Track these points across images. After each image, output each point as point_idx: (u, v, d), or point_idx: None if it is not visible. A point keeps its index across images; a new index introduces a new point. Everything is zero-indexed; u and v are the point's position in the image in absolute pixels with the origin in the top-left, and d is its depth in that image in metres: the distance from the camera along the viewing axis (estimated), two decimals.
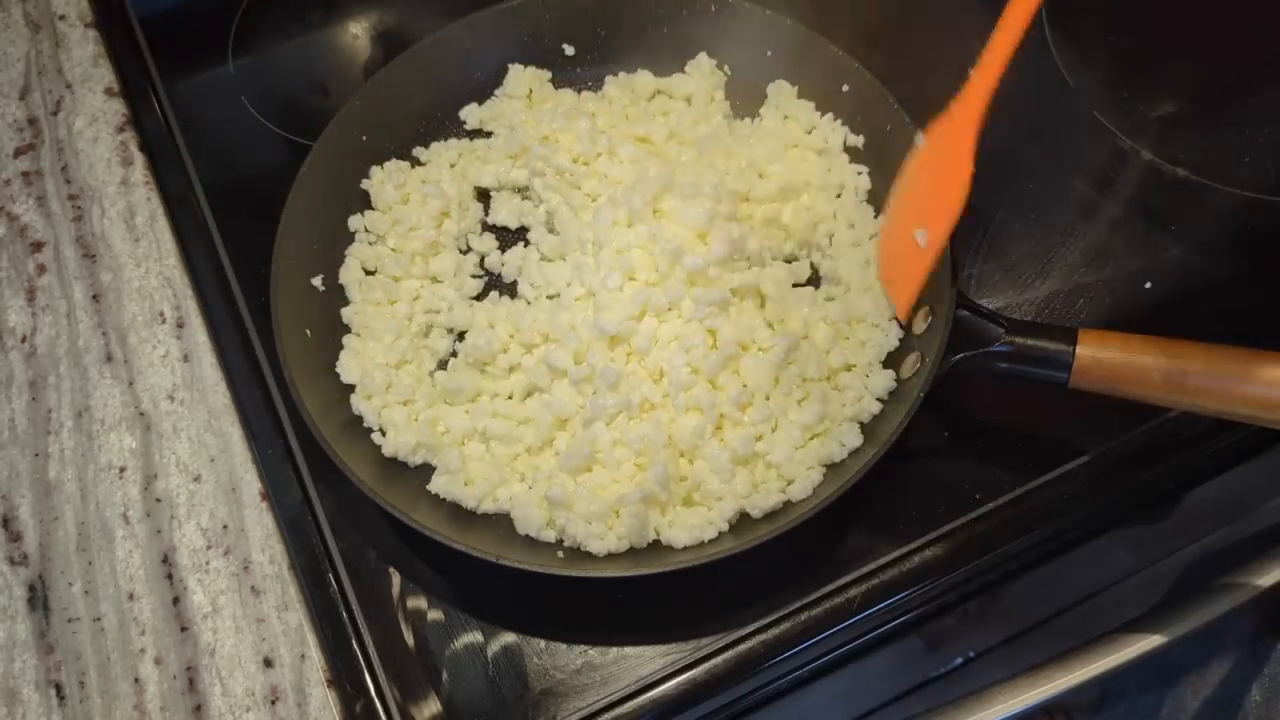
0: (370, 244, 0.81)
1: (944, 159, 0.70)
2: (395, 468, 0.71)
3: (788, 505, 0.68)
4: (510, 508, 0.69)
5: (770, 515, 0.68)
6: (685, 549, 0.66)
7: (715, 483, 0.68)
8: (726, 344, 0.71)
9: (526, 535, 0.68)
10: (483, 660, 0.66)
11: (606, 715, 0.64)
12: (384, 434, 0.72)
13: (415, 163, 0.86)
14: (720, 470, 0.68)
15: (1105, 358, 0.63)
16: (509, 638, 0.67)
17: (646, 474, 0.67)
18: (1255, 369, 0.60)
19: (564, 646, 0.66)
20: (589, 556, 0.66)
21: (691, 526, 0.67)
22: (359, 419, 0.73)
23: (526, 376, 0.73)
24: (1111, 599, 0.84)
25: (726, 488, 0.68)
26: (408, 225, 0.81)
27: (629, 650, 0.66)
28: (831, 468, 0.70)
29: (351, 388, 0.74)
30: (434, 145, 0.87)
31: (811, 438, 0.70)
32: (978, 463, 0.71)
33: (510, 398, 0.74)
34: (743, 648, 0.66)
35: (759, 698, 0.69)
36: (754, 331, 0.73)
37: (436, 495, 0.70)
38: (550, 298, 0.77)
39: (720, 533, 0.67)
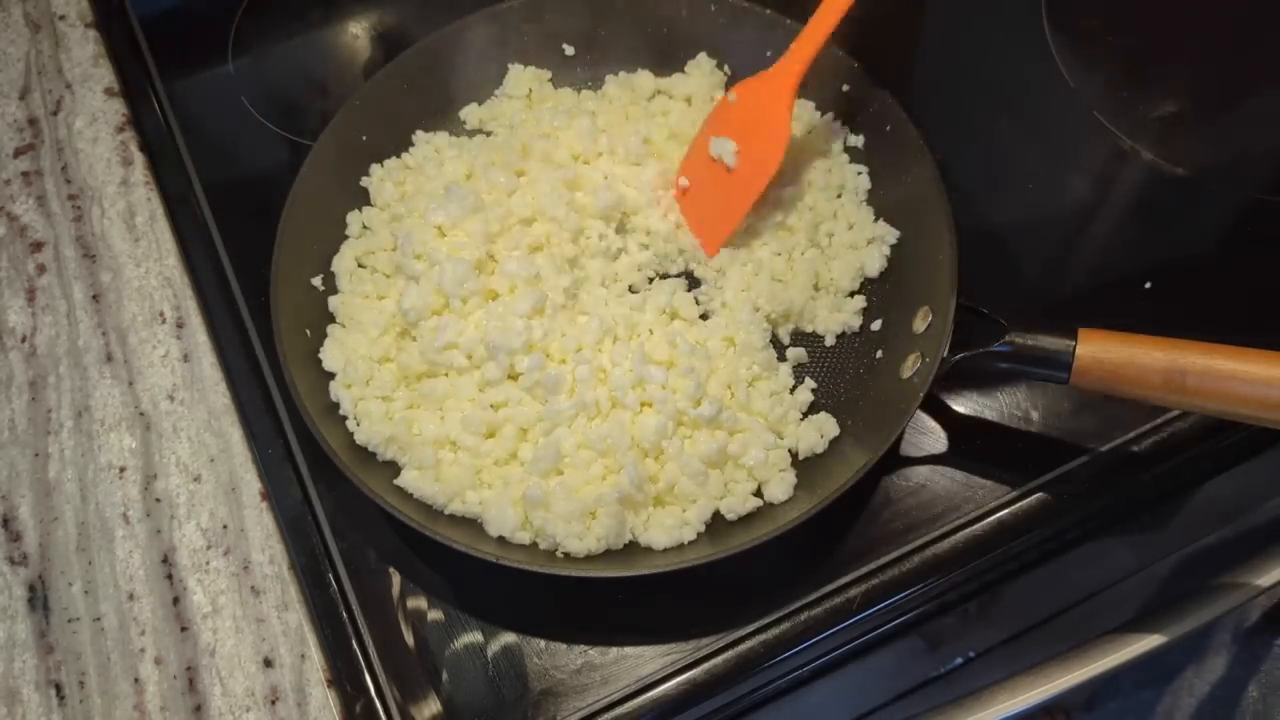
0: (366, 240, 0.81)
1: (760, 117, 0.77)
2: (365, 458, 0.71)
3: (770, 508, 0.68)
4: (480, 511, 0.68)
5: (760, 520, 0.67)
6: (670, 550, 0.66)
7: (687, 484, 0.68)
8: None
9: (500, 537, 0.67)
10: (483, 660, 0.67)
11: (606, 715, 0.64)
12: (358, 423, 0.71)
13: None
14: (691, 472, 0.68)
15: (1105, 357, 0.63)
16: (509, 638, 0.67)
17: (620, 475, 0.67)
18: (1255, 369, 0.60)
19: (564, 646, 0.66)
20: (588, 557, 0.66)
21: (668, 528, 0.67)
22: (337, 405, 0.72)
23: (478, 375, 0.72)
24: (1111, 599, 0.84)
25: (700, 489, 0.68)
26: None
27: (629, 650, 0.66)
28: (826, 469, 0.70)
29: (332, 374, 0.74)
30: None
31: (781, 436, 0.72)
32: (978, 463, 0.71)
33: (475, 399, 0.72)
34: (743, 648, 0.66)
35: (759, 698, 0.69)
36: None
37: (404, 491, 0.69)
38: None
39: (699, 534, 0.67)
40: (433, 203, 0.78)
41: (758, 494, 0.69)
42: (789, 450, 0.71)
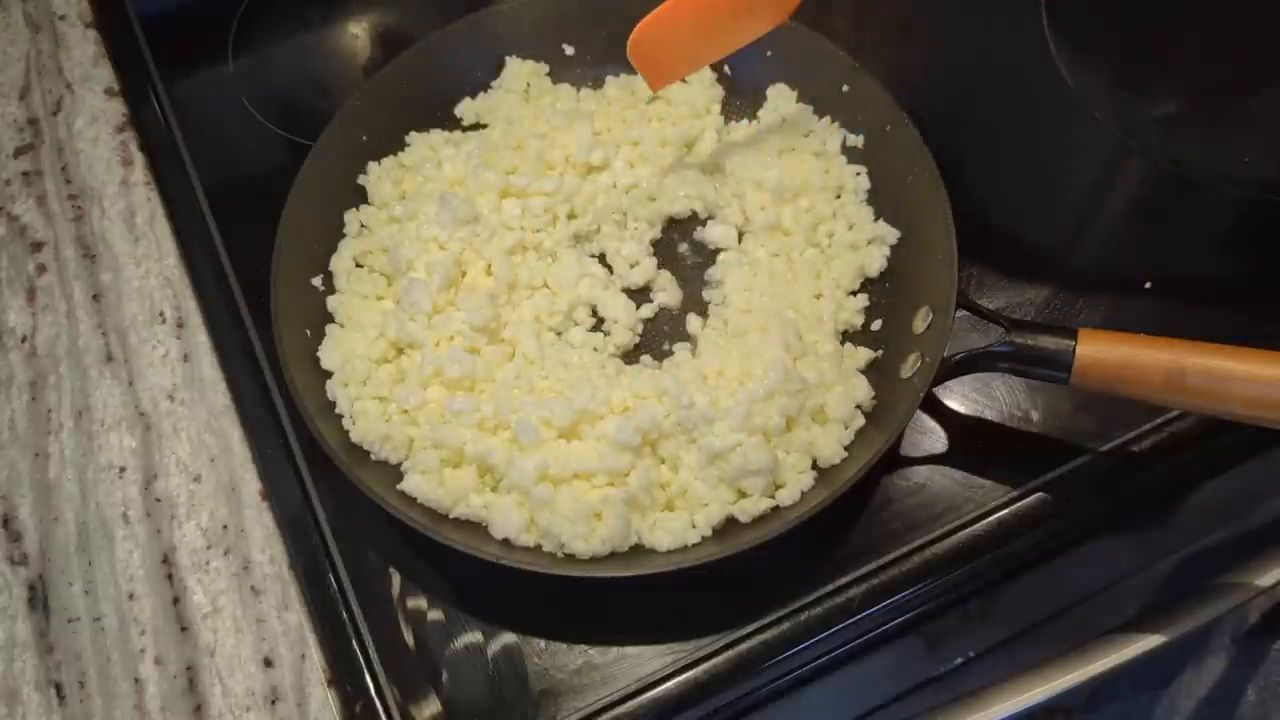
0: (364, 239, 0.81)
1: None
2: (366, 458, 0.70)
3: (777, 510, 0.68)
4: (485, 515, 0.68)
5: (763, 519, 0.67)
6: (672, 551, 0.66)
7: (701, 488, 0.68)
8: None
9: (504, 539, 0.67)
10: (483, 660, 0.66)
11: (606, 715, 0.64)
12: (354, 422, 0.71)
13: None
14: (706, 477, 0.68)
15: (1105, 357, 0.63)
16: (509, 638, 0.67)
17: (629, 477, 0.67)
18: (1255, 369, 0.60)
19: (564, 646, 0.66)
20: (591, 558, 0.66)
21: (674, 531, 0.66)
22: (334, 404, 0.72)
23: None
24: (1111, 599, 0.84)
25: (713, 493, 0.68)
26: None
27: (629, 650, 0.66)
28: (829, 468, 0.70)
29: (330, 373, 0.74)
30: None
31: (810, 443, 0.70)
32: (977, 463, 0.71)
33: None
34: (743, 648, 0.66)
35: (759, 698, 0.69)
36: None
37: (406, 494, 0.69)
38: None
39: (704, 537, 0.67)
40: (427, 206, 0.78)
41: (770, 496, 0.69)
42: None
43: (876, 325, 0.76)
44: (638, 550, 0.67)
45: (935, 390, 0.70)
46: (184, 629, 0.68)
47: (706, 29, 0.76)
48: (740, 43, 0.79)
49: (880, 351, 0.74)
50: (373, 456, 0.70)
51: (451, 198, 0.78)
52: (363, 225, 0.81)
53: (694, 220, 0.83)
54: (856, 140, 0.83)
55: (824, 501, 0.64)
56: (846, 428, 0.70)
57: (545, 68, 0.89)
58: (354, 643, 0.67)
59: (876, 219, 0.80)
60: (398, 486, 0.69)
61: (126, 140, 0.89)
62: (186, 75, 0.95)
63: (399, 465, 0.71)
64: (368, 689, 0.65)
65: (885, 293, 0.78)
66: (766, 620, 0.66)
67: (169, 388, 0.77)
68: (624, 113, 0.86)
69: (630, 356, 0.77)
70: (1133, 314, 0.78)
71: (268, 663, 0.67)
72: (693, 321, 0.77)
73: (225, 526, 0.71)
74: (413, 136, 0.85)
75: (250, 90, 0.93)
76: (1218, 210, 0.83)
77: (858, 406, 0.71)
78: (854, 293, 0.78)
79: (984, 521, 0.69)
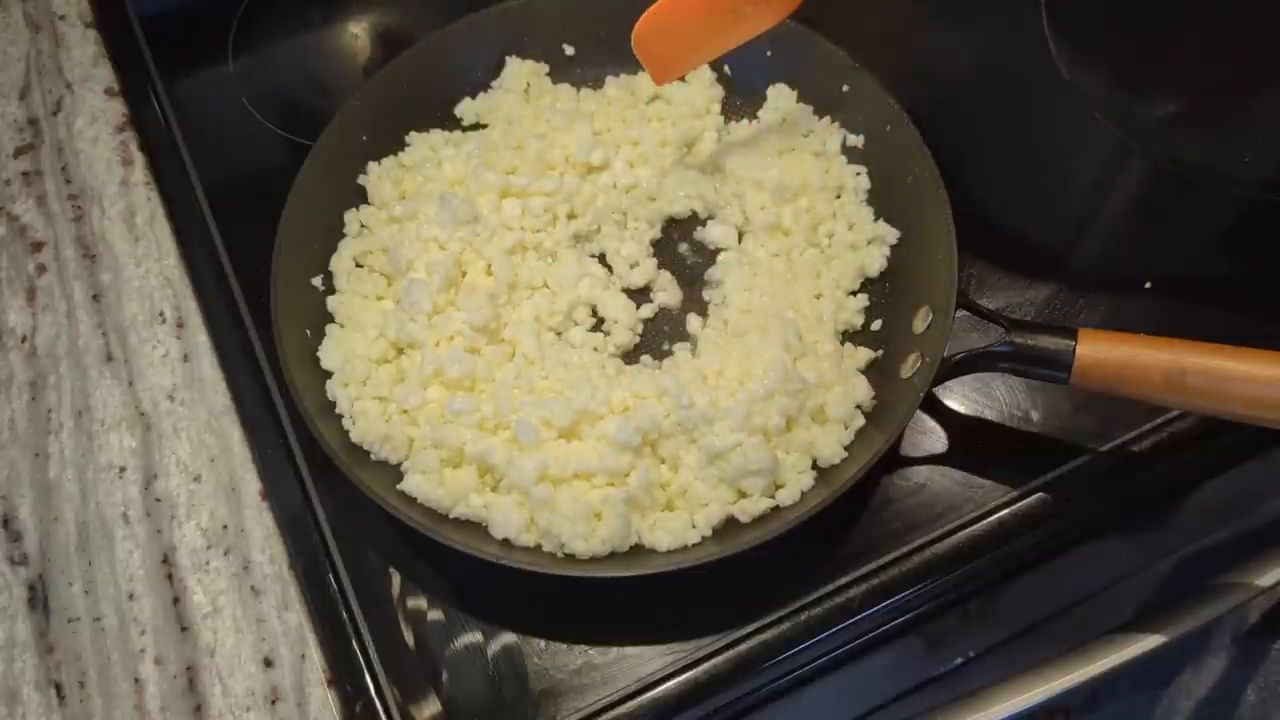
0: (364, 239, 0.81)
1: None
2: (366, 458, 0.70)
3: (777, 510, 0.68)
4: (485, 515, 0.68)
5: (763, 519, 0.67)
6: (672, 551, 0.66)
7: (701, 488, 0.68)
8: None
9: (504, 539, 0.67)
10: (483, 660, 0.67)
11: (606, 715, 0.64)
12: (354, 422, 0.71)
13: None
14: (706, 477, 0.68)
15: (1105, 357, 0.63)
16: (509, 638, 0.67)
17: (629, 477, 0.67)
18: (1255, 369, 0.60)
19: (564, 646, 0.66)
20: (591, 558, 0.66)
21: (674, 531, 0.66)
22: (334, 404, 0.72)
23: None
24: (1111, 599, 0.84)
25: (713, 493, 0.68)
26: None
27: (629, 650, 0.66)
28: (829, 468, 0.70)
29: (329, 373, 0.74)
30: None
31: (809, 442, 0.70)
32: (977, 463, 0.71)
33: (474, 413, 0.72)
34: (743, 648, 0.66)
35: (759, 698, 0.69)
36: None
37: (406, 495, 0.69)
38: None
39: (704, 537, 0.67)
40: (427, 206, 0.78)
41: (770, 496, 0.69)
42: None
43: (876, 325, 0.77)
44: (638, 550, 0.67)
45: (935, 390, 0.70)
46: (184, 629, 0.68)
47: (709, 23, 0.76)
48: (743, 38, 0.79)
49: (880, 351, 0.74)
50: (373, 456, 0.70)
51: (451, 198, 0.78)
52: (363, 225, 0.81)
53: (694, 220, 0.83)
54: (856, 140, 0.83)
55: (824, 501, 0.64)
56: (846, 428, 0.70)
57: (545, 68, 0.89)
58: (354, 643, 0.67)
59: (876, 219, 0.80)
60: (398, 486, 0.69)
61: (126, 140, 0.89)
62: (186, 75, 0.95)
63: (399, 465, 0.71)
64: (368, 689, 0.65)
65: (885, 293, 0.78)
66: (766, 620, 0.66)
67: (169, 388, 0.77)
68: (624, 113, 0.86)
69: (630, 356, 0.77)
70: (1133, 314, 0.78)
71: (268, 663, 0.67)
72: (693, 321, 0.77)
73: (225, 526, 0.71)
74: (413, 136, 0.85)
75: (250, 90, 0.93)
76: (1218, 210, 0.83)
77: (858, 406, 0.71)
78: (854, 293, 0.78)
79: (984, 521, 0.69)
